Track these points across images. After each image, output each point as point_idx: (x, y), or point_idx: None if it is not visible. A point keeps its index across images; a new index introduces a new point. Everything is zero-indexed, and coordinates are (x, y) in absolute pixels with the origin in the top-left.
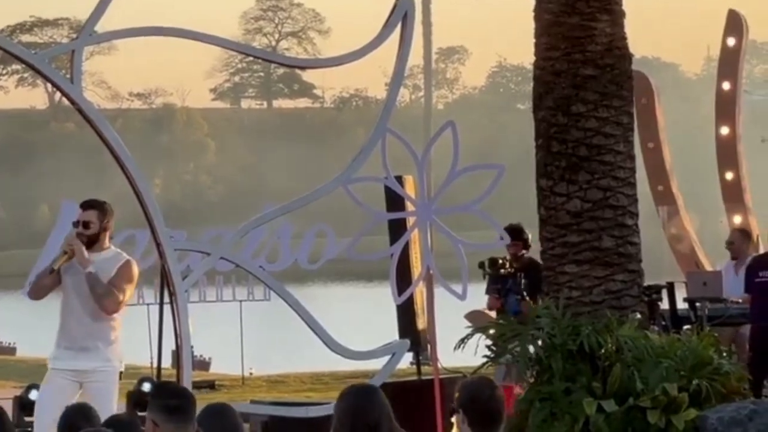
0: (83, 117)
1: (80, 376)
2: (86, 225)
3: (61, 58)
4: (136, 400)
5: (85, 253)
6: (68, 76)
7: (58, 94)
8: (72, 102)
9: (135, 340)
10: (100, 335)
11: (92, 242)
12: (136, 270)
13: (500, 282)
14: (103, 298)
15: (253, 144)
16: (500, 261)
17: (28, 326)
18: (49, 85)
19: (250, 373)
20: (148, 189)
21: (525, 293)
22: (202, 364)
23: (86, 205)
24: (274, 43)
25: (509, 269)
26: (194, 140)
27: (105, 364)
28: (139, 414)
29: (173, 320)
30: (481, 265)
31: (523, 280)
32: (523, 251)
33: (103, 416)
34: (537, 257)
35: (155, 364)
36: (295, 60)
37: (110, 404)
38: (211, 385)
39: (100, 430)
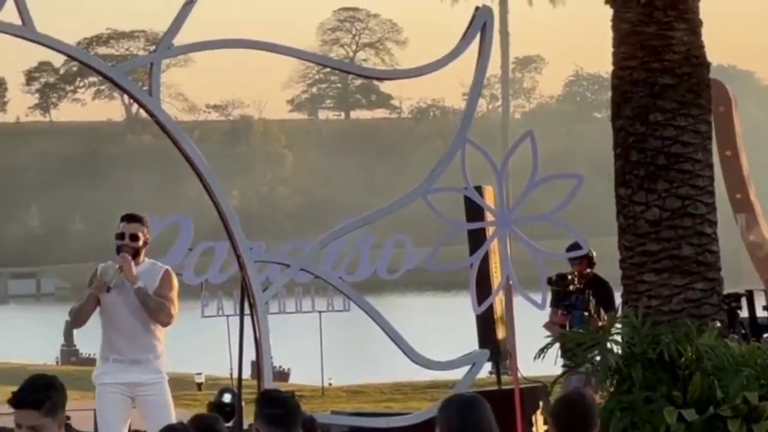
0: (161, 129)
1: (132, 389)
2: (134, 237)
3: (137, 70)
4: (216, 410)
5: (134, 268)
6: (146, 88)
7: (134, 107)
8: (151, 114)
9: (214, 351)
10: (151, 348)
11: (136, 255)
12: (176, 278)
13: (567, 298)
14: (157, 312)
15: (331, 155)
16: (569, 276)
17: None
18: (126, 98)
19: (330, 384)
20: (227, 200)
21: (592, 310)
22: (282, 375)
23: (131, 218)
24: (351, 53)
25: (577, 285)
26: (271, 151)
27: (156, 376)
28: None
29: (253, 331)
30: (550, 281)
31: (591, 297)
32: (588, 269)
33: None
34: (611, 268)
35: (235, 375)
36: (373, 71)
37: (170, 415)
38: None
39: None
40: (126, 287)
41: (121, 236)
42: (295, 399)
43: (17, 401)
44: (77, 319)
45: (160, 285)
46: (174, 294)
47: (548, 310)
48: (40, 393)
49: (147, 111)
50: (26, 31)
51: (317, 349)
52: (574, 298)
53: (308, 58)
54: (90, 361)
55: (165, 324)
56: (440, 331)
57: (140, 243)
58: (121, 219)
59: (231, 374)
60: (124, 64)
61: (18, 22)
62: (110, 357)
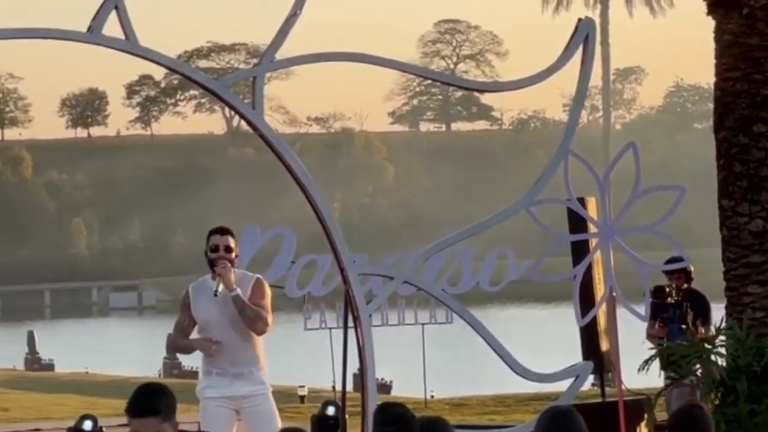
0: (264, 142)
1: (237, 402)
2: (228, 249)
3: (237, 83)
4: (320, 423)
5: (233, 277)
6: (248, 101)
7: (235, 119)
8: (254, 128)
9: (317, 363)
10: (253, 360)
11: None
12: (268, 286)
13: (664, 311)
14: (255, 321)
15: (432, 167)
16: (666, 289)
17: None
18: (227, 111)
19: (432, 396)
20: (330, 213)
21: (689, 323)
22: (384, 388)
23: (223, 231)
24: (451, 65)
25: (675, 298)
26: (372, 164)
27: (261, 387)
28: None
29: (357, 344)
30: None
31: (688, 310)
32: (686, 284)
33: None
34: (706, 281)
35: (338, 388)
36: (475, 83)
37: (276, 424)
38: None
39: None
40: (227, 300)
41: (215, 249)
42: (411, 412)
43: (135, 410)
44: (177, 348)
45: (252, 293)
46: (267, 302)
47: (645, 322)
48: (155, 399)
49: (250, 124)
50: (130, 45)
51: (419, 361)
52: (672, 312)
53: (410, 70)
54: (193, 374)
55: (260, 333)
56: (542, 343)
57: (233, 255)
58: (211, 232)
59: (333, 387)
60: (227, 77)
61: (121, 36)
62: (213, 371)
